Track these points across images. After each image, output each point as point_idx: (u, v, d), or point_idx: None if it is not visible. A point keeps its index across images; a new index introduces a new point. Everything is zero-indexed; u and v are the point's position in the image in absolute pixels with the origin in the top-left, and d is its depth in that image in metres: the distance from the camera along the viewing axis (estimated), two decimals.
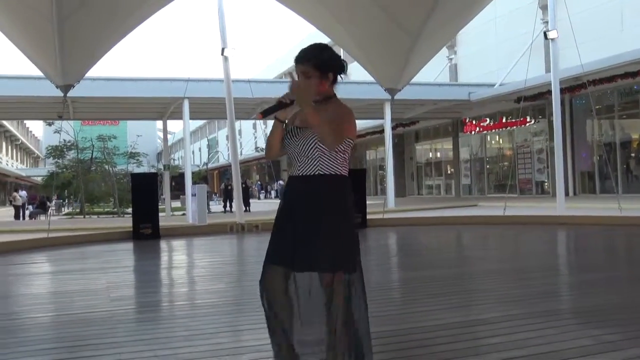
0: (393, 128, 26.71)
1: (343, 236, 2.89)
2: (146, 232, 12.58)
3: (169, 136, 28.17)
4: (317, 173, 2.86)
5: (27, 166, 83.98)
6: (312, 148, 2.86)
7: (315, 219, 2.83)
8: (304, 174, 2.88)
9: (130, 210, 17.47)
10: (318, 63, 2.91)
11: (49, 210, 26.97)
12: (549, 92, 16.58)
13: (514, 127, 26.11)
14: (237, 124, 42.19)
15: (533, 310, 4.58)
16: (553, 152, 17.38)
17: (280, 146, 2.98)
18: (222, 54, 14.70)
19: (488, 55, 27.30)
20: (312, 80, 2.88)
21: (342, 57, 3.04)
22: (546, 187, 25.24)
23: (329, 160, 2.88)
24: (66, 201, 40.35)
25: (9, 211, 34.44)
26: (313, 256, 2.82)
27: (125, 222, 16.88)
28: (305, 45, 3.05)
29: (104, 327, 4.58)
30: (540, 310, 4.58)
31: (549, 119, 22.82)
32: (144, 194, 12.93)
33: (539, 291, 5.52)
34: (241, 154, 49.34)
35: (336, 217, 2.87)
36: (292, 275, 2.92)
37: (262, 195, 51.98)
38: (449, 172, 32.54)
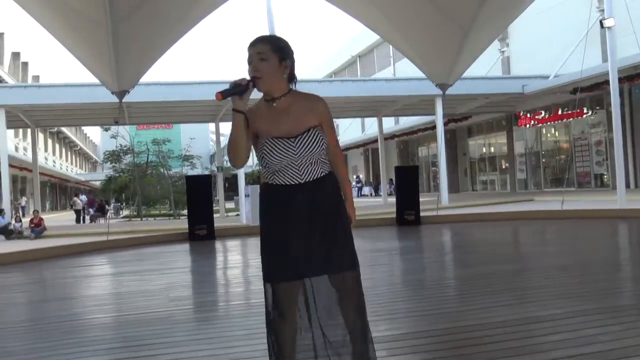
0: (445, 124, 26.36)
1: (350, 232, 2.85)
2: (201, 233, 12.77)
3: (221, 138, 28.48)
4: (325, 173, 2.78)
5: (85, 171, 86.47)
6: (317, 152, 2.72)
7: (335, 218, 2.78)
8: (313, 178, 2.73)
9: (185, 212, 17.75)
10: (275, 47, 2.72)
11: (108, 214, 27.69)
12: (607, 82, 16.07)
13: (571, 119, 25.44)
14: None
15: (596, 307, 4.44)
16: (612, 143, 16.88)
17: (248, 149, 2.74)
18: None
19: (541, 46, 26.67)
20: (271, 62, 2.68)
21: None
22: (605, 179, 24.51)
23: (326, 158, 2.80)
24: (124, 204, 41.28)
25: (71, 215, 35.48)
26: (337, 256, 2.75)
27: (181, 223, 17.16)
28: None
29: (163, 326, 4.66)
30: (604, 307, 4.44)
31: (607, 109, 22.13)
32: (199, 196, 13.12)
33: (601, 287, 5.35)
34: None
35: (345, 214, 2.85)
36: (305, 284, 2.80)
37: None
38: (503, 167, 31.95)
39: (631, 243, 9.74)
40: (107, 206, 31.38)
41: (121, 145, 32.88)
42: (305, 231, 2.71)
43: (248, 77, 2.71)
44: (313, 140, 2.70)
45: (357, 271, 2.83)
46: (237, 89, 2.67)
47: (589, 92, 21.89)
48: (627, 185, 19.35)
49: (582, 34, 19.17)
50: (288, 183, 2.71)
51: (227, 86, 2.69)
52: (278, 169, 2.71)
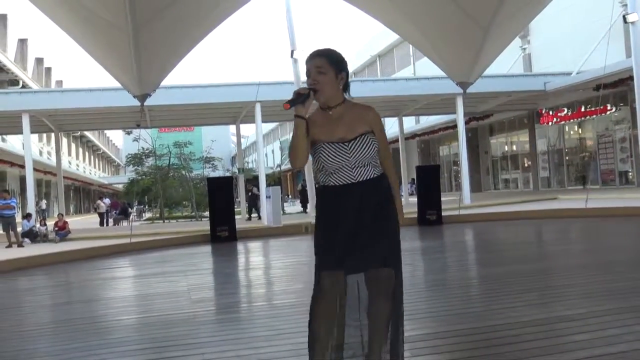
0: (466, 122, 26.20)
1: (397, 232, 3.04)
2: (223, 235, 12.85)
3: (242, 140, 28.61)
4: (377, 175, 2.95)
5: (108, 174, 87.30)
6: (369, 156, 2.92)
7: (383, 217, 2.93)
8: (364, 179, 2.91)
9: (207, 213, 17.87)
10: (332, 60, 2.96)
11: (131, 216, 27.94)
12: (631, 78, 15.88)
13: (594, 116, 25.14)
14: None
15: (621, 306, 4.39)
16: (637, 140, 16.65)
17: (308, 152, 2.97)
18: (292, 56, 14.84)
19: (563, 43, 26.41)
20: (328, 75, 2.92)
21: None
22: (630, 177, 24.18)
23: (377, 161, 2.99)
24: (146, 207, 41.63)
25: (94, 218, 35.86)
26: (380, 253, 2.91)
27: (203, 225, 17.27)
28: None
29: (187, 327, 4.70)
30: (630, 306, 4.39)
31: (631, 105, 21.84)
32: (220, 198, 13.20)
33: (627, 286, 5.29)
34: None
35: (394, 213, 3.01)
36: (347, 280, 2.95)
37: None
38: (526, 165, 31.68)
39: None
40: (129, 209, 31.67)
41: (143, 148, 33.16)
42: (353, 227, 2.89)
43: (307, 86, 2.96)
44: (364, 144, 2.92)
45: (396, 271, 3.01)
46: (301, 98, 2.92)
47: (613, 89, 21.61)
48: None
49: (605, 30, 18.98)
50: (342, 183, 2.92)
51: (288, 96, 2.95)
52: (333, 170, 2.92)
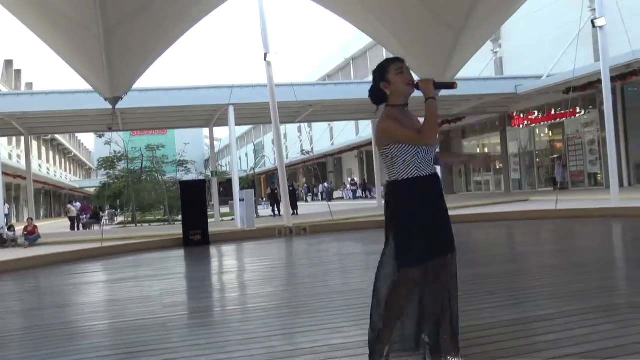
0: (439, 125, 26.37)
1: None
2: (196, 239, 12.78)
3: (215, 143, 28.51)
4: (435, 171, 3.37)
5: (80, 178, 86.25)
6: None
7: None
8: (435, 172, 3.34)
9: (180, 217, 17.73)
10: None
11: (102, 220, 27.63)
12: (599, 81, 16.13)
13: (564, 118, 25.52)
14: (282, 127, 42.42)
15: (589, 306, 4.47)
16: (605, 142, 16.93)
17: None
18: (265, 59, 14.80)
19: (534, 46, 26.77)
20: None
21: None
22: (599, 178, 24.59)
23: None
24: (118, 211, 41.17)
25: (65, 222, 35.37)
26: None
27: (176, 229, 17.15)
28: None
29: (159, 333, 4.66)
30: (597, 306, 4.46)
31: (599, 108, 22.21)
32: (193, 201, 13.13)
33: (595, 286, 5.38)
34: (287, 157, 49.59)
35: None
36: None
37: (309, 198, 52.17)
38: (497, 167, 32.02)
39: (624, 242, 9.78)
40: (101, 213, 31.30)
41: (115, 151, 32.81)
42: (442, 212, 3.33)
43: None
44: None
45: None
46: (447, 85, 3.50)
47: (582, 92, 21.97)
48: (621, 184, 19.42)
49: (574, 34, 19.27)
50: (428, 174, 3.27)
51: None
52: (422, 162, 3.24)
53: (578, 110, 24.39)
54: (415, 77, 3.39)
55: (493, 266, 7.28)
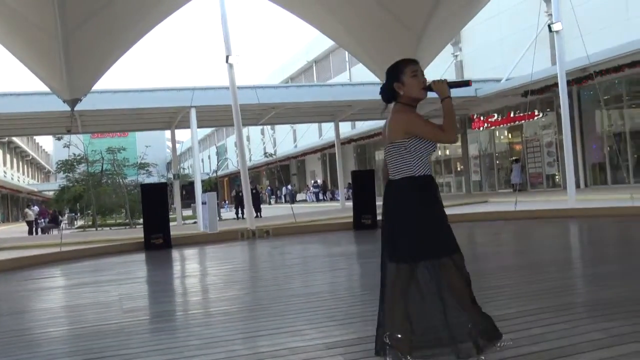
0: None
1: None
2: (157, 242, 12.63)
3: (177, 145, 28.26)
4: None
5: (38, 181, 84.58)
6: None
7: None
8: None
9: (141, 220, 17.53)
10: None
11: (61, 224, 27.15)
12: (556, 84, 16.50)
13: (522, 121, 26.00)
14: (245, 130, 42.27)
15: (547, 305, 4.55)
16: (562, 144, 17.29)
17: None
18: (227, 61, 14.73)
19: (493, 50, 27.22)
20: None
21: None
22: (557, 180, 25.10)
23: None
24: (78, 214, 40.51)
25: (23, 227, 34.66)
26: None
27: (137, 232, 16.94)
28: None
29: (118, 339, 4.60)
30: (554, 305, 4.55)
31: (557, 111, 22.69)
32: (154, 204, 12.97)
33: (553, 286, 5.49)
34: (250, 159, 49.43)
35: None
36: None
37: (272, 200, 52.09)
38: (458, 169, 32.44)
39: (581, 242, 10.01)
40: (60, 217, 30.76)
41: (75, 154, 32.31)
42: (443, 214, 3.37)
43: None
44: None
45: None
46: (462, 84, 3.64)
47: (540, 95, 22.43)
48: (577, 185, 19.85)
49: (532, 38, 19.66)
50: (431, 174, 3.35)
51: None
52: (428, 162, 3.32)
53: (536, 113, 24.88)
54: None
55: None
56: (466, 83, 3.61)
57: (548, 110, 24.80)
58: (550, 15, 17.00)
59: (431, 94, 3.45)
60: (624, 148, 21.81)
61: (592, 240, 9.93)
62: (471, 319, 3.25)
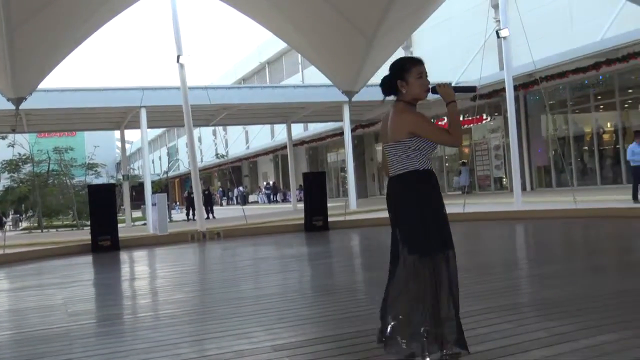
0: (352, 130, 26.81)
1: None
2: (105, 244, 12.40)
3: (127, 146, 27.80)
4: None
5: None
6: None
7: None
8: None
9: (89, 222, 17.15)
10: None
11: (5, 226, 26.36)
12: (504, 89, 16.85)
13: (471, 125, 26.46)
14: (197, 131, 41.83)
15: (492, 305, 4.64)
16: (510, 148, 17.66)
17: None
18: (178, 61, 14.56)
19: (443, 54, 27.61)
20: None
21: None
22: (504, 182, 25.63)
23: None
24: (23, 216, 39.41)
25: None
26: None
27: (84, 234, 16.57)
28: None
29: (61, 343, 4.48)
30: (499, 305, 4.65)
31: (504, 115, 23.17)
32: (102, 206, 12.73)
33: (500, 286, 5.60)
34: (201, 160, 48.96)
35: None
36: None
37: (224, 202, 51.72)
38: None
39: (527, 243, 10.25)
40: (4, 218, 29.88)
41: (20, 154, 31.41)
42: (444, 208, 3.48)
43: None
44: None
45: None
46: (469, 89, 3.81)
47: (488, 99, 22.86)
48: (523, 188, 20.34)
49: (480, 43, 20.03)
50: (431, 168, 3.44)
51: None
52: (429, 157, 3.40)
53: (484, 117, 25.35)
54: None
55: None
56: (472, 89, 3.67)
57: (496, 114, 25.31)
58: (499, 21, 17.36)
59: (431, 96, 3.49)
60: (567, 152, 22.43)
61: (537, 242, 10.18)
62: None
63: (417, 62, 3.44)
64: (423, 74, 3.41)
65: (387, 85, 3.46)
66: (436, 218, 3.38)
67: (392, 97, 3.52)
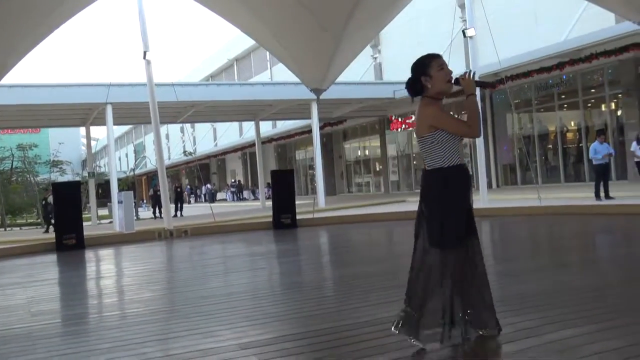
0: (321, 127, 26.83)
1: None
2: (70, 243, 12.22)
3: (93, 143, 27.41)
4: None
5: None
6: None
7: None
8: None
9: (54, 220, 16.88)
10: None
11: None
12: None
13: None
14: (164, 128, 41.45)
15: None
16: (476, 146, 17.86)
17: None
18: (144, 57, 14.40)
19: (411, 53, 27.43)
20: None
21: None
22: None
23: None
24: None
25: None
26: None
27: (49, 233, 16.33)
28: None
29: (23, 343, 4.41)
30: None
31: None
32: (67, 204, 12.54)
33: None
34: (169, 158, 48.52)
35: None
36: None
37: (192, 199, 51.34)
38: (377, 169, 32.95)
39: (492, 240, 10.37)
40: None
41: None
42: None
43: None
44: None
45: None
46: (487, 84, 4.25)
47: (455, 98, 23.01)
48: (489, 186, 20.58)
49: (447, 42, 20.21)
50: (463, 162, 3.54)
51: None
52: (459, 150, 3.50)
53: None
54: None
55: (372, 265, 7.49)
56: (492, 85, 3.85)
57: (463, 112, 25.49)
58: (465, 21, 17.54)
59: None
60: (532, 150, 22.77)
61: (502, 239, 10.32)
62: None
63: (436, 56, 3.58)
64: (444, 65, 3.52)
65: (412, 86, 3.56)
66: (457, 214, 3.49)
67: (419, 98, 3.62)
